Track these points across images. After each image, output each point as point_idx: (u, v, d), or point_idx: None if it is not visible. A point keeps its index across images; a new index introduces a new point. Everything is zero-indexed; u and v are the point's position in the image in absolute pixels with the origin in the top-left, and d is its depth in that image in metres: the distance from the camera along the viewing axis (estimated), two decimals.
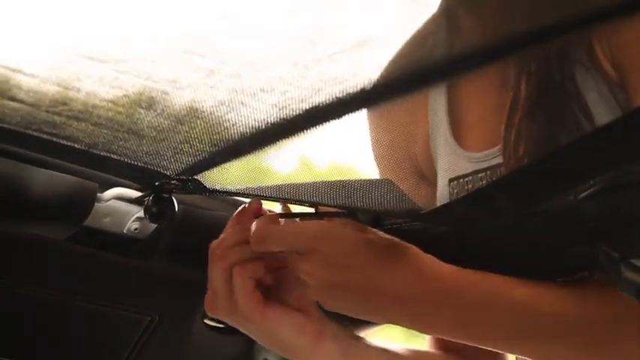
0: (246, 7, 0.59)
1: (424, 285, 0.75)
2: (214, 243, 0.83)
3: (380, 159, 1.08)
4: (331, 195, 0.78)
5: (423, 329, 0.78)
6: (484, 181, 0.90)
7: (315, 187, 0.79)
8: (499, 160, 0.88)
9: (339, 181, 0.79)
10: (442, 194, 0.98)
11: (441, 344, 1.09)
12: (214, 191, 0.80)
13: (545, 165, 0.66)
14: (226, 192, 0.82)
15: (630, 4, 0.48)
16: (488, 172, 0.90)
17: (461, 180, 0.94)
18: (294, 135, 0.64)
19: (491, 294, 0.75)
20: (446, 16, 0.92)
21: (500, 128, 0.89)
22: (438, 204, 0.96)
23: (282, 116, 0.62)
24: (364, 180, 0.81)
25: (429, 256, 0.77)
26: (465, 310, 0.75)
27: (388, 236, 0.78)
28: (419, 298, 0.75)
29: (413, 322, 0.77)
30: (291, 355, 0.83)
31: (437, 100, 1.02)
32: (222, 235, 0.83)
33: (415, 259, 0.76)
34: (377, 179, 0.82)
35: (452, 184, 0.95)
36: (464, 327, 0.76)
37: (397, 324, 0.78)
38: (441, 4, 0.94)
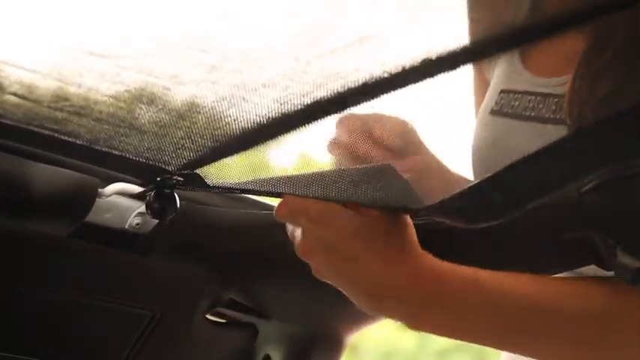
0: (249, 4, 0.59)
1: (422, 286, 0.74)
2: None
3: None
4: (331, 188, 0.77)
5: (423, 328, 0.77)
6: (531, 104, 0.90)
7: (316, 179, 0.78)
8: (553, 90, 0.89)
9: (341, 171, 0.79)
10: (490, 98, 0.99)
11: None
12: (216, 188, 0.80)
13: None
14: (228, 189, 0.82)
15: None
16: (538, 97, 0.91)
17: (511, 94, 0.95)
18: (297, 128, 0.64)
19: (492, 293, 0.74)
20: None
21: (569, 60, 0.87)
22: (485, 104, 0.98)
23: (283, 111, 0.63)
24: (367, 169, 0.81)
25: (425, 253, 0.76)
26: (464, 310, 0.74)
27: (390, 222, 0.76)
28: (416, 298, 0.74)
29: (411, 320, 0.76)
30: None
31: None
32: None
33: (413, 255, 0.75)
34: (379, 167, 0.81)
35: (502, 94, 0.96)
36: (463, 325, 0.75)
37: (396, 320, 0.77)
38: None
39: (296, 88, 0.61)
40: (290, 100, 0.62)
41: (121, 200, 0.98)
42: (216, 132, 0.66)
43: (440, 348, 3.60)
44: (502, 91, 0.97)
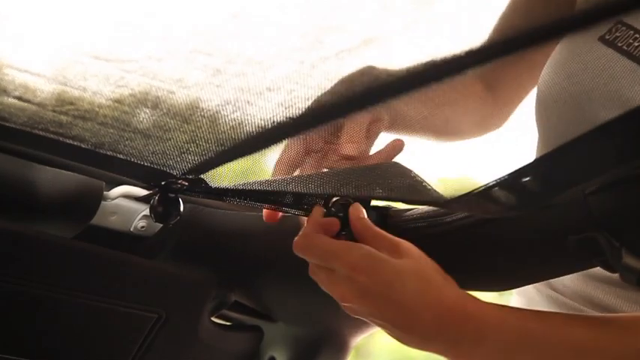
0: (253, 7, 0.59)
1: (461, 323, 0.74)
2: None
3: None
4: (345, 185, 0.77)
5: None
6: None
7: (327, 177, 0.78)
8: None
9: (355, 169, 0.79)
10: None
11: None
12: (221, 194, 0.80)
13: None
14: (232, 194, 0.82)
15: None
16: None
17: (631, 31, 0.89)
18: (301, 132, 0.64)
19: (532, 333, 0.73)
20: None
21: None
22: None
23: (288, 115, 0.62)
24: (381, 168, 0.81)
25: (465, 293, 0.76)
26: (505, 345, 0.74)
27: (428, 261, 0.77)
28: (454, 335, 0.74)
29: (452, 355, 0.77)
30: None
31: None
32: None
33: (450, 292, 0.75)
34: (392, 166, 0.81)
35: (618, 26, 0.90)
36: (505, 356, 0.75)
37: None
38: None
39: (301, 91, 0.61)
40: (295, 104, 0.62)
41: (126, 203, 0.98)
42: (221, 136, 0.66)
43: None
44: (620, 23, 0.91)
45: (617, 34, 0.90)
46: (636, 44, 0.88)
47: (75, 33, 0.63)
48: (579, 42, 0.94)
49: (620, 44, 0.89)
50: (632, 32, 0.89)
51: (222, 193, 0.81)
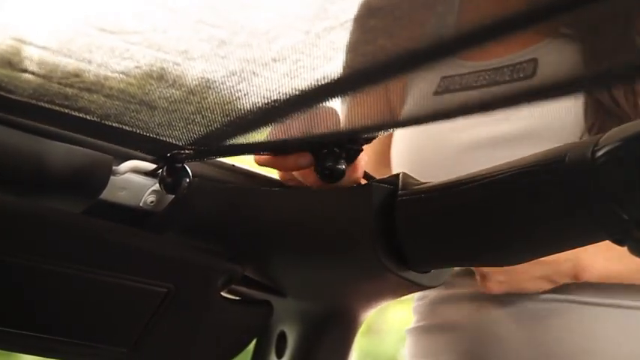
0: None
1: None
2: None
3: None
4: None
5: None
6: (481, 77, 1.00)
7: None
8: (503, 64, 0.99)
9: None
10: (426, 84, 1.05)
11: None
12: (226, 152, 0.80)
13: None
14: (241, 148, 0.81)
15: None
16: (489, 71, 1.00)
17: (456, 77, 1.03)
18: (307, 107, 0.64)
19: None
20: None
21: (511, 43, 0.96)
22: (422, 91, 1.05)
23: (293, 86, 0.62)
24: None
25: None
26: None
27: None
28: None
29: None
30: None
31: None
32: None
33: None
34: None
35: (443, 80, 1.04)
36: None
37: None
38: None
39: (306, 61, 0.61)
40: (300, 74, 0.62)
41: (135, 178, 0.97)
42: (226, 107, 0.66)
43: None
44: (444, 77, 1.04)
45: (446, 84, 1.04)
46: (464, 81, 1.04)
47: (80, 5, 0.63)
48: (414, 105, 1.08)
49: (452, 87, 1.04)
50: (456, 77, 1.04)
51: (228, 150, 0.80)
